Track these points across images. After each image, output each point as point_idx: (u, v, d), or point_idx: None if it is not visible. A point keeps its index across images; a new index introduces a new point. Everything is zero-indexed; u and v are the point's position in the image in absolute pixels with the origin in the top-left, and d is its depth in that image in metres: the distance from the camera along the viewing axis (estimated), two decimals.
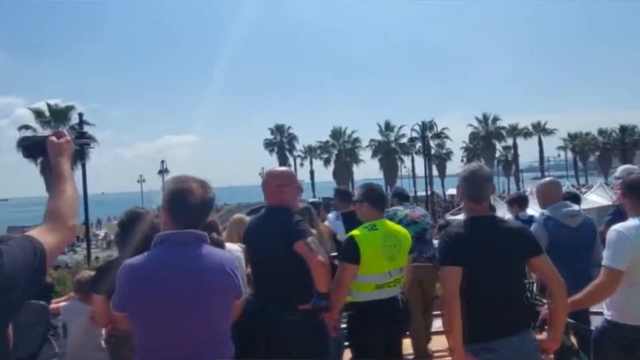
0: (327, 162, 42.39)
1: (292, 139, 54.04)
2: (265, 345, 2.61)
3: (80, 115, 14.30)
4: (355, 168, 42.31)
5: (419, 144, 48.60)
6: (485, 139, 47.26)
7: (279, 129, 53.79)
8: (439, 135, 38.88)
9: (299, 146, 55.21)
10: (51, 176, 1.44)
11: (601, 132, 57.60)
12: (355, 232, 3.02)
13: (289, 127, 54.24)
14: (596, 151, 57.43)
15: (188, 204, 1.83)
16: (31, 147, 1.58)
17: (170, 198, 1.86)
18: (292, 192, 2.85)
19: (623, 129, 55.61)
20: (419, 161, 49.17)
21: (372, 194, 3.17)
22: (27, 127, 28.83)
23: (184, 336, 1.80)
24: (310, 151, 56.54)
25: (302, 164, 55.69)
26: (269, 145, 53.74)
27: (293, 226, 2.63)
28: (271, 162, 54.08)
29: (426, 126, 46.68)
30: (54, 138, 1.52)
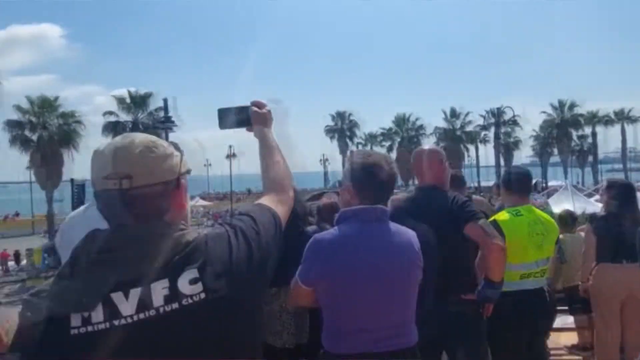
0: (389, 149, 41.91)
1: (353, 125, 53.89)
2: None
3: (165, 100, 15.19)
4: None
5: (484, 132, 46.91)
6: (560, 126, 44.35)
7: (340, 116, 53.81)
8: (514, 122, 37.11)
9: (360, 133, 55.32)
10: (261, 148, 1.39)
11: None
12: (499, 216, 2.88)
13: (350, 114, 54.24)
14: None
15: (378, 179, 1.75)
16: (232, 117, 1.48)
17: (359, 173, 1.78)
18: (447, 171, 2.67)
19: None
20: (483, 150, 47.32)
21: (516, 177, 2.99)
22: (110, 112, 31.14)
23: (382, 315, 1.70)
24: (371, 138, 56.27)
25: None
26: (330, 131, 53.94)
27: (461, 207, 2.39)
28: (331, 150, 54.48)
29: (495, 113, 44.94)
30: (256, 108, 1.46)
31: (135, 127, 31.21)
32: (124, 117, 31.18)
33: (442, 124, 44.56)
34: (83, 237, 0.98)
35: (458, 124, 44.28)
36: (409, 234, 1.80)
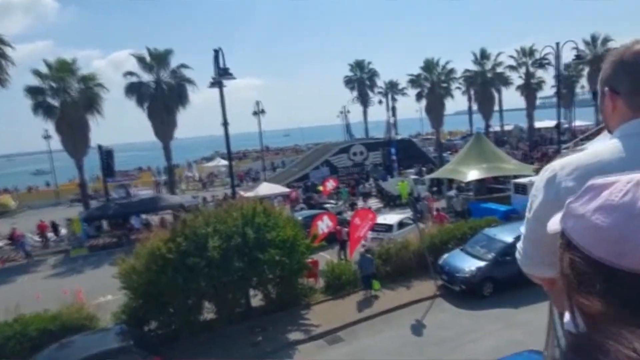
0: (419, 96, 40.34)
1: (372, 74, 52.09)
2: None
3: (218, 50, 13.82)
4: (448, 102, 39.88)
5: (515, 74, 44.84)
6: (592, 63, 42.30)
7: (358, 65, 51.89)
8: (543, 63, 35.34)
9: (380, 82, 53.50)
10: None
11: None
12: None
13: (369, 63, 52.23)
14: None
15: None
16: None
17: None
18: None
19: None
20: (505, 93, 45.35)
21: None
22: (131, 73, 29.63)
23: None
24: (391, 87, 54.47)
25: (380, 101, 54.00)
26: (349, 82, 52.22)
27: None
28: (352, 100, 52.87)
29: (526, 52, 42.91)
30: None
31: (158, 86, 29.79)
32: (146, 77, 29.69)
33: (472, 66, 42.64)
34: None
35: (489, 65, 42.34)
36: None
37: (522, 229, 1.26)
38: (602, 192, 0.69)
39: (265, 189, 27.62)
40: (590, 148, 1.17)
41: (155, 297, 11.82)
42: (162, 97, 29.51)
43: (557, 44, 23.46)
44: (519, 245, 1.29)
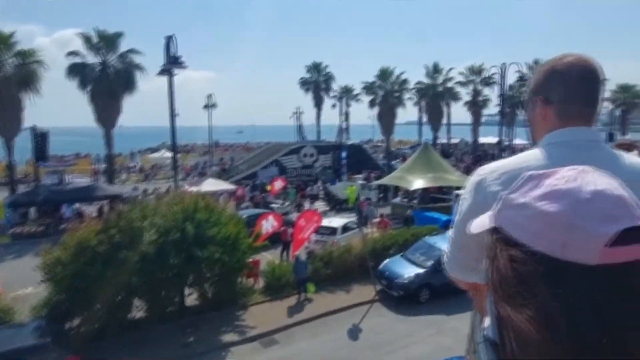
0: (372, 103, 40.96)
1: (328, 78, 52.34)
2: None
3: (170, 38, 13.20)
4: (400, 111, 40.80)
5: (463, 90, 46.78)
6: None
7: (315, 67, 51.97)
8: (489, 81, 37.08)
9: (336, 86, 53.81)
10: None
11: None
12: None
13: (326, 66, 52.45)
14: None
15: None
16: None
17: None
18: None
19: None
20: (453, 107, 47.46)
21: None
22: (75, 53, 27.90)
23: None
24: (346, 92, 54.98)
25: (334, 105, 54.35)
26: (304, 84, 52.17)
27: None
28: (306, 102, 52.93)
29: (475, 70, 44.79)
30: None
31: (104, 69, 28.25)
32: (91, 58, 28.05)
33: (425, 79, 43.91)
34: None
35: (440, 79, 43.80)
36: None
37: (450, 233, 1.23)
38: (544, 180, 0.65)
39: (211, 184, 26.90)
40: (518, 155, 1.20)
41: (80, 292, 11.04)
42: (107, 81, 28.00)
43: (503, 65, 24.62)
44: (446, 249, 1.26)
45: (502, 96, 27.85)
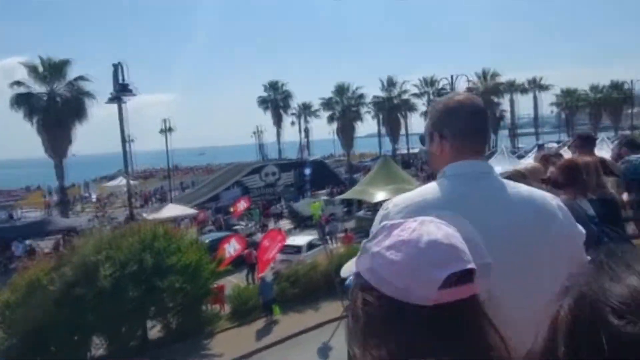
0: (331, 119, 41.46)
1: (287, 96, 52.60)
2: None
3: (118, 65, 12.92)
4: (358, 125, 41.54)
5: (419, 101, 48.37)
6: (483, 94, 46.81)
7: (273, 86, 52.15)
8: (440, 93, 38.41)
9: (294, 104, 54.10)
10: None
11: (592, 88, 57.99)
12: None
13: (284, 84, 52.73)
14: (587, 107, 57.83)
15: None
16: None
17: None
18: None
19: (614, 85, 56.13)
20: (413, 118, 48.92)
21: None
22: (19, 83, 26.82)
23: None
24: (305, 109, 55.34)
25: (292, 123, 54.55)
26: (262, 102, 52.20)
27: None
28: (265, 121, 52.94)
29: (429, 82, 46.27)
30: None
31: (51, 99, 27.28)
32: (37, 88, 27.04)
33: (381, 93, 44.94)
34: None
35: (395, 92, 44.94)
36: None
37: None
38: (393, 231, 0.74)
39: (172, 210, 26.28)
40: (420, 187, 1.32)
41: (34, 335, 10.44)
42: (55, 110, 27.02)
43: (452, 76, 25.59)
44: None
45: None
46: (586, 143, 4.45)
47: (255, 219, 27.65)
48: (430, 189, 1.27)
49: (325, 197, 31.02)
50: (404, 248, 0.69)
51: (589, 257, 1.24)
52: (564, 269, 0.99)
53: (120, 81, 12.88)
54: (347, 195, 27.55)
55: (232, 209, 29.09)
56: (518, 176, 4.27)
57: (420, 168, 48.89)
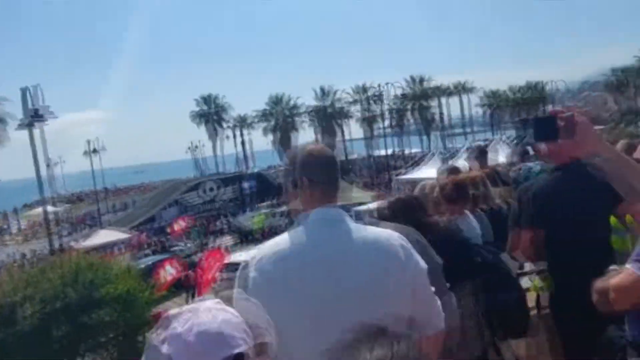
0: (271, 130, 41.26)
1: (221, 109, 51.64)
2: None
3: (25, 90, 11.87)
4: (295, 135, 41.62)
5: (353, 108, 49.44)
6: (414, 99, 48.77)
7: (206, 100, 51.05)
8: (379, 97, 39.43)
9: (228, 117, 53.14)
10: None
11: (510, 88, 62.30)
12: None
13: (216, 97, 51.70)
14: (509, 107, 61.91)
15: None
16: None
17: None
18: None
19: (529, 86, 60.80)
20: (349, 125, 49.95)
21: None
22: None
23: None
24: (242, 121, 54.57)
25: (227, 137, 53.43)
26: (196, 117, 50.95)
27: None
28: (200, 135, 51.55)
29: (360, 90, 47.36)
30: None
31: None
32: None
33: (316, 102, 45.41)
34: None
35: (329, 101, 45.60)
36: None
37: None
38: (172, 322, 0.80)
39: (103, 236, 24.78)
40: (278, 237, 1.39)
41: None
42: None
43: (387, 83, 26.35)
44: None
45: (391, 111, 29.88)
46: (480, 155, 4.89)
47: (195, 238, 26.75)
48: (284, 239, 1.35)
49: (266, 211, 30.66)
50: (175, 342, 0.76)
51: (433, 288, 1.39)
52: (409, 304, 1.28)
53: (31, 106, 11.78)
54: (289, 207, 27.41)
55: (169, 230, 27.99)
56: (454, 173, 4.37)
57: (359, 174, 49.93)
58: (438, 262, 1.84)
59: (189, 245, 25.21)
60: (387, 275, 1.28)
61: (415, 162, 42.61)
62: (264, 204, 34.77)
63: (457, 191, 2.73)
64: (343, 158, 56.50)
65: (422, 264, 1.36)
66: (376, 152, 52.56)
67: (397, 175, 31.95)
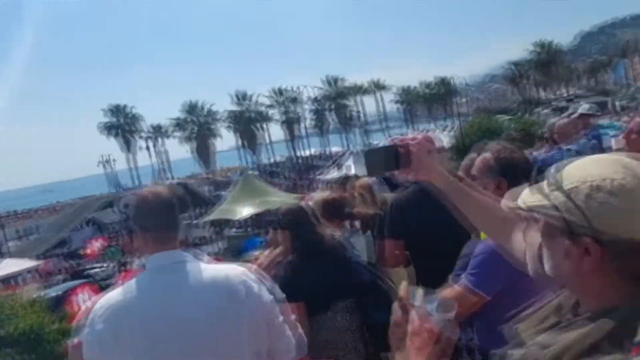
0: (188, 139, 39.79)
1: (134, 119, 48.94)
2: None
3: None
4: (215, 142, 40.61)
5: (271, 111, 49.27)
6: (332, 99, 49.71)
7: (117, 110, 48.09)
8: (296, 99, 39.66)
9: (142, 127, 50.47)
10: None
11: (421, 84, 65.72)
12: None
13: (125, 107, 48.87)
14: (421, 102, 65.22)
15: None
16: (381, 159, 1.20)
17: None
18: None
19: (441, 82, 64.54)
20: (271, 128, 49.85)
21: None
22: None
23: None
24: (157, 131, 52.10)
25: (140, 148, 50.60)
26: (106, 128, 47.84)
27: None
28: (112, 148, 48.48)
29: (277, 92, 47.28)
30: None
31: None
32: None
33: (234, 107, 44.63)
34: None
35: (247, 105, 45.07)
36: None
37: None
38: None
39: (6, 267, 22.32)
40: (122, 286, 1.37)
41: None
42: None
43: (305, 86, 26.56)
44: None
45: (310, 112, 30.15)
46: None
47: (114, 258, 25.01)
48: (132, 287, 1.33)
49: (187, 221, 29.45)
50: None
51: (281, 318, 1.41)
52: (262, 335, 1.31)
53: None
54: (212, 216, 26.52)
55: (83, 252, 26.02)
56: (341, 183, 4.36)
57: (287, 176, 49.83)
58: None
59: (108, 266, 23.57)
60: (223, 315, 1.29)
61: (334, 161, 43.49)
62: (185, 214, 33.43)
63: (329, 210, 2.69)
64: (267, 161, 56.28)
65: (267, 296, 1.37)
66: (300, 153, 52.91)
67: (318, 174, 32.31)
